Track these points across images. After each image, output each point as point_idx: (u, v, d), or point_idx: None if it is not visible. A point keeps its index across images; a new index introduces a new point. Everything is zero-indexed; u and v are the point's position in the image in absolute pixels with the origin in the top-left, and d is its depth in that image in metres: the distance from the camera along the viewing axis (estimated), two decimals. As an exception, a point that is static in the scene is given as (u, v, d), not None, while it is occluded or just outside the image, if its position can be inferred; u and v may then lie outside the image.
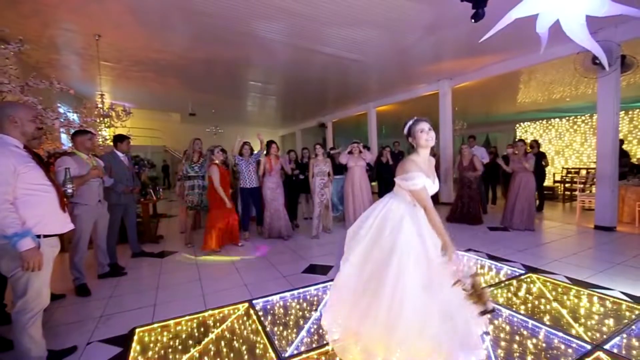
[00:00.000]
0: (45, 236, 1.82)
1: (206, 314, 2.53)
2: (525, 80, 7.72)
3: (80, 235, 3.02)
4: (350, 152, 5.31)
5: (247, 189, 4.87)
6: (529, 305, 2.59)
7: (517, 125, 11.88)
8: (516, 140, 5.52)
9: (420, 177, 1.79)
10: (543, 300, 2.66)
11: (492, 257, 3.79)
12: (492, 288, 2.88)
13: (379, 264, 1.89)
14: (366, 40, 5.35)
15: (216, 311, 2.57)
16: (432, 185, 1.87)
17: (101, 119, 5.42)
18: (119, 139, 3.86)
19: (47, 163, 3.37)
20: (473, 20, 3.19)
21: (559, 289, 2.85)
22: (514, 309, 2.48)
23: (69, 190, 2.18)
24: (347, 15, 4.44)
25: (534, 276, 3.13)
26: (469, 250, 4.03)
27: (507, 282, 3.01)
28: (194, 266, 3.83)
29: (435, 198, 2.06)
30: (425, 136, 1.87)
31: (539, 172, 6.21)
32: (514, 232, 4.99)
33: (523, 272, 3.25)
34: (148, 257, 4.22)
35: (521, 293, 2.83)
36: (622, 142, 5.49)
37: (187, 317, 2.48)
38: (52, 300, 2.92)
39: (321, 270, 3.53)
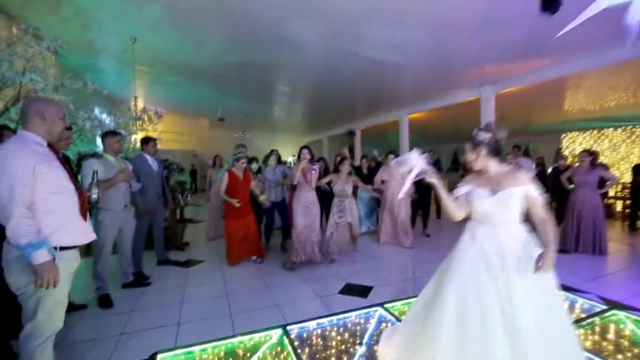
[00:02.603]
0: (62, 248, 1.58)
1: (235, 340, 2.22)
2: (577, 85, 7.03)
3: (104, 243, 2.83)
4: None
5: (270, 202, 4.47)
6: (628, 354, 2.08)
7: (563, 135, 10.97)
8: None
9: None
10: (645, 349, 2.14)
11: (562, 286, 3.24)
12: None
13: (435, 295, 1.68)
14: (407, 42, 4.99)
15: (246, 337, 2.25)
16: (481, 197, 1.65)
17: (133, 121, 5.37)
18: (144, 141, 3.73)
19: (76, 165, 3.25)
20: (549, 14, 2.74)
21: (660, 334, 2.31)
22: (609, 359, 1.99)
23: (94, 196, 1.95)
24: (391, 13, 4.10)
25: (621, 314, 2.59)
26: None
27: (588, 321, 2.50)
28: (220, 279, 3.57)
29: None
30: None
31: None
32: (575, 255, 4.37)
33: (604, 307, 2.72)
34: (173, 266, 4.01)
35: (610, 336, 2.32)
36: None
37: (213, 343, 2.18)
38: (73, 311, 2.74)
39: (360, 292, 3.14)
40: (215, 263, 4.15)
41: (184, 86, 8.33)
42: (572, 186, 4.68)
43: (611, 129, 9.85)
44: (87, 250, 3.41)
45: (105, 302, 2.84)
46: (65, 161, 2.71)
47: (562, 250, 4.58)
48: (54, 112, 1.66)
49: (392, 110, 10.12)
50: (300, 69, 6.55)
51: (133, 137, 5.80)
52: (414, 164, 1.65)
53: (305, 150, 4.02)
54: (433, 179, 1.67)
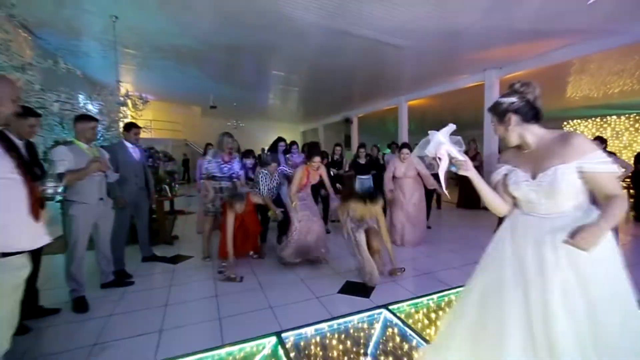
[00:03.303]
0: (4, 254, 1.29)
1: (223, 351, 1.96)
2: (581, 70, 6.76)
3: (77, 240, 2.53)
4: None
5: None
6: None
7: (565, 123, 10.74)
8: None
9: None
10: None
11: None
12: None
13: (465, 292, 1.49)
14: (411, 21, 4.63)
15: (235, 348, 2.00)
16: (517, 181, 1.27)
17: (116, 107, 5.00)
18: (126, 127, 3.39)
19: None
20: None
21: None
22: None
23: (49, 190, 1.65)
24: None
25: (646, 315, 2.38)
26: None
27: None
28: (210, 277, 3.30)
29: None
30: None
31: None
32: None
33: None
34: (160, 262, 3.74)
35: None
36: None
37: (198, 355, 1.92)
38: (44, 316, 2.45)
39: (361, 291, 2.90)
40: (206, 259, 3.88)
41: (173, 71, 7.91)
42: None
43: (614, 117, 9.64)
44: (65, 246, 3.12)
45: (80, 305, 2.56)
46: (29, 149, 2.41)
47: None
48: (4, 92, 1.38)
49: (391, 96, 9.78)
50: (296, 51, 6.17)
51: (120, 124, 5.45)
52: (442, 152, 1.26)
53: (317, 158, 3.47)
54: (469, 171, 1.28)
